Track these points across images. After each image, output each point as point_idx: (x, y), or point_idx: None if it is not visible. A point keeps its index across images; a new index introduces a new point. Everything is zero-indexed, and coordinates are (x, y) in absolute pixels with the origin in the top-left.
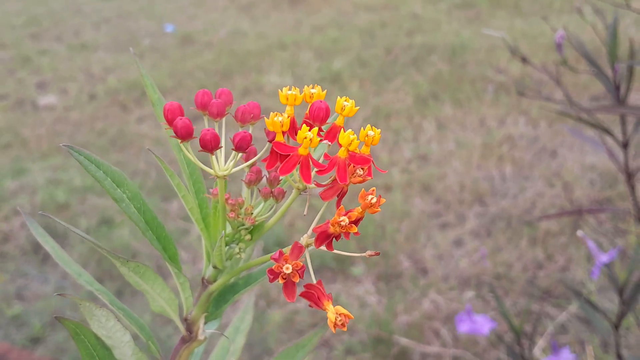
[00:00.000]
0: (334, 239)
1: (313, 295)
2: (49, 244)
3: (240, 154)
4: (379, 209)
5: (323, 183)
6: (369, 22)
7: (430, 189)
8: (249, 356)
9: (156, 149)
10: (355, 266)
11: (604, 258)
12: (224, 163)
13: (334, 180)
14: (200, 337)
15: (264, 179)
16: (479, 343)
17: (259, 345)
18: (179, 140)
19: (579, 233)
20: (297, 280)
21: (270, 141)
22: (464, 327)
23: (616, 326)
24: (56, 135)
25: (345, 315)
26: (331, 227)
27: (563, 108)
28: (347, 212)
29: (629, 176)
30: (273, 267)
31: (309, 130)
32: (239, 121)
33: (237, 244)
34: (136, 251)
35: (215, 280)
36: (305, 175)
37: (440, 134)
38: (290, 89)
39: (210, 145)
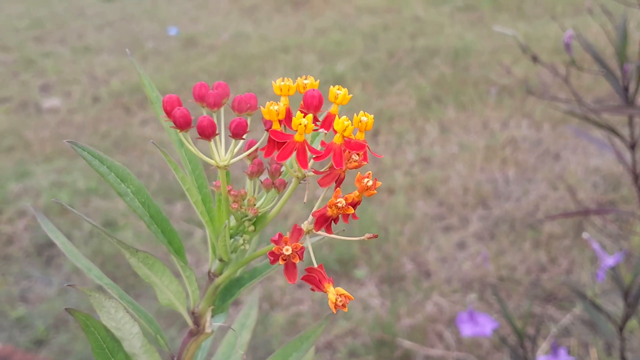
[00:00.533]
0: (332, 222)
1: (314, 279)
2: (59, 239)
3: (240, 144)
4: (375, 192)
5: (321, 170)
6: (371, 25)
7: (434, 192)
8: (252, 358)
9: (159, 151)
10: (359, 269)
11: (609, 261)
12: (224, 154)
13: (331, 166)
14: (208, 330)
15: (266, 171)
16: (482, 346)
17: (262, 347)
18: (178, 131)
19: (585, 235)
20: (297, 261)
21: (267, 130)
22: (466, 330)
23: (620, 329)
24: (60, 137)
25: (345, 296)
26: (329, 209)
27: (570, 108)
28: (345, 196)
29: (636, 177)
30: (273, 249)
31: (304, 117)
32: (235, 110)
33: (242, 236)
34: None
35: (221, 273)
36: (302, 161)
37: (444, 137)
38: (283, 80)
39: (207, 131)
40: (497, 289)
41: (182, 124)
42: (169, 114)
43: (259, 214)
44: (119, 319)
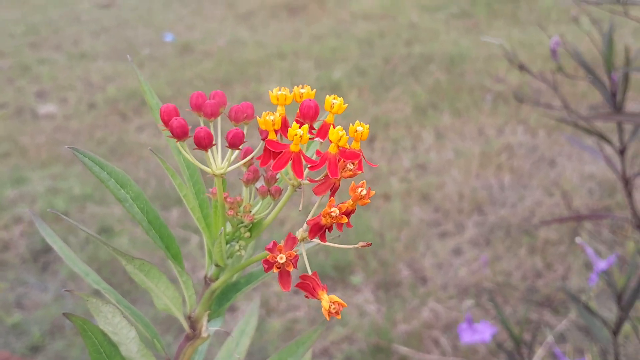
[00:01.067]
0: (326, 230)
1: (308, 286)
2: (57, 244)
3: (236, 153)
4: (369, 201)
5: (316, 179)
6: (367, 32)
7: (429, 198)
8: None
9: (155, 158)
10: (355, 275)
11: (602, 265)
12: (220, 162)
13: (326, 175)
14: (204, 334)
15: (262, 178)
16: (478, 352)
17: (258, 353)
18: (176, 141)
19: (578, 240)
20: (290, 269)
21: (263, 139)
22: (466, 338)
23: (615, 333)
24: (56, 144)
25: (338, 304)
26: (323, 218)
27: (561, 116)
28: (339, 205)
29: (626, 183)
30: (268, 257)
31: (300, 127)
32: (232, 120)
33: (237, 242)
34: None
35: (217, 279)
36: (297, 171)
37: (439, 143)
38: (280, 89)
39: (204, 142)
40: (493, 294)
41: (180, 134)
42: (166, 123)
43: (255, 221)
44: (116, 323)
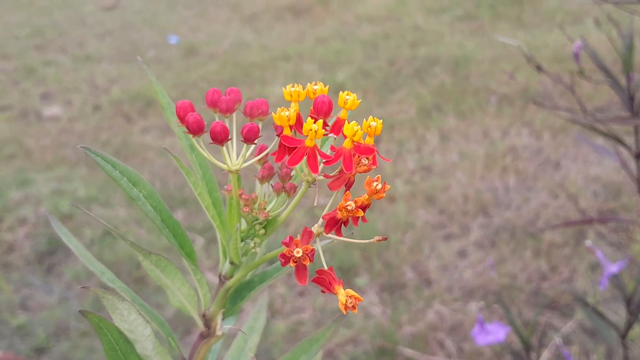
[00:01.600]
0: (342, 224)
1: (324, 280)
2: (72, 243)
3: (251, 149)
4: (384, 195)
5: (331, 175)
6: (372, 34)
7: (434, 200)
8: None
9: (160, 159)
10: (359, 277)
11: (612, 268)
12: (235, 158)
13: (341, 170)
14: (218, 332)
15: (276, 175)
16: (483, 354)
17: (263, 354)
18: (191, 136)
19: (588, 243)
20: (307, 263)
21: (278, 135)
22: (481, 340)
23: (623, 336)
24: (60, 146)
25: (355, 298)
26: (339, 212)
27: (574, 117)
28: (355, 199)
29: None
30: (284, 251)
31: (314, 123)
32: (247, 115)
33: (252, 239)
34: (140, 262)
35: (232, 276)
36: (313, 166)
37: (444, 145)
38: (293, 86)
39: (220, 136)
40: (500, 297)
41: (195, 130)
42: (182, 119)
43: (270, 218)
44: (131, 320)
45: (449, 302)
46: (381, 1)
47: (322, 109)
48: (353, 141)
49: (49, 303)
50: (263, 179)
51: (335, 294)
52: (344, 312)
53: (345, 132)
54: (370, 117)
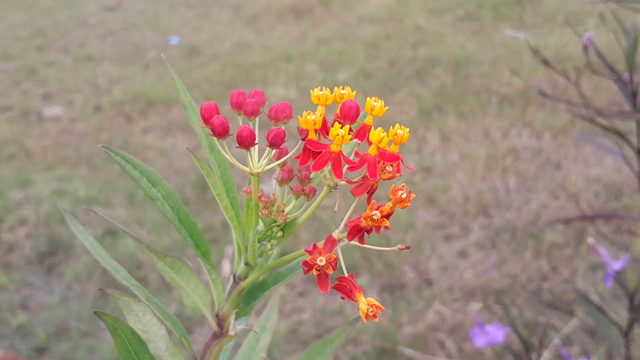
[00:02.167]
0: (365, 233)
1: (345, 288)
2: (87, 240)
3: (272, 152)
4: (409, 204)
5: (353, 180)
6: (373, 35)
7: (435, 201)
8: None
9: (161, 159)
10: (360, 277)
11: (616, 265)
12: (257, 161)
13: (365, 176)
14: (231, 332)
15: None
16: (484, 354)
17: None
18: (216, 139)
19: (590, 240)
20: (330, 272)
21: (303, 139)
22: (480, 341)
23: (625, 334)
24: (61, 146)
25: (376, 307)
26: (364, 220)
27: (578, 112)
28: (379, 207)
29: None
30: (307, 259)
31: (341, 128)
32: (272, 119)
33: (269, 241)
34: (141, 262)
35: (246, 277)
36: (337, 171)
37: (445, 146)
38: (321, 90)
39: (247, 141)
40: (500, 297)
41: (221, 133)
42: (206, 120)
43: (288, 220)
44: (146, 321)
45: (450, 303)
46: (383, 2)
47: (349, 114)
48: (378, 148)
49: (49, 303)
50: (283, 182)
51: (356, 302)
52: (365, 321)
53: (371, 139)
54: (397, 124)
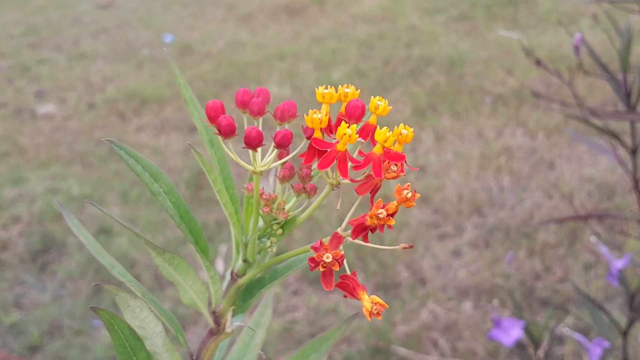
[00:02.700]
0: (369, 231)
1: (348, 286)
2: (83, 235)
3: (275, 150)
4: (414, 204)
5: (356, 179)
6: (367, 34)
7: (429, 200)
8: None
9: (154, 158)
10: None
11: (618, 264)
12: (260, 159)
13: (369, 175)
14: (228, 329)
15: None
16: (477, 353)
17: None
18: (222, 138)
19: (592, 239)
20: (336, 269)
21: (308, 137)
22: (507, 340)
23: (625, 333)
24: (55, 144)
25: (380, 305)
26: (369, 219)
27: (571, 112)
28: (384, 205)
29: (637, 183)
30: (314, 256)
31: (348, 127)
32: (278, 119)
33: (269, 238)
34: (134, 260)
35: (244, 274)
36: (343, 170)
37: (438, 145)
38: (326, 88)
39: (255, 142)
40: (498, 296)
41: (227, 132)
42: (212, 119)
43: (288, 218)
44: (143, 317)
45: (443, 302)
46: (376, 1)
47: (354, 113)
48: (384, 147)
49: (42, 301)
50: (284, 179)
51: (360, 300)
52: (369, 319)
53: (376, 138)
54: (402, 124)
